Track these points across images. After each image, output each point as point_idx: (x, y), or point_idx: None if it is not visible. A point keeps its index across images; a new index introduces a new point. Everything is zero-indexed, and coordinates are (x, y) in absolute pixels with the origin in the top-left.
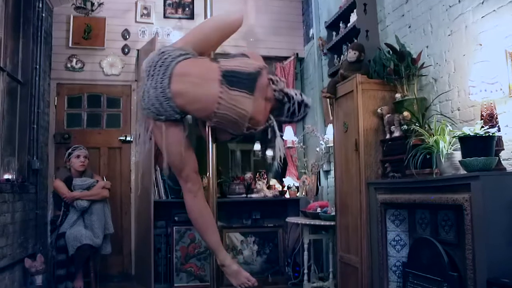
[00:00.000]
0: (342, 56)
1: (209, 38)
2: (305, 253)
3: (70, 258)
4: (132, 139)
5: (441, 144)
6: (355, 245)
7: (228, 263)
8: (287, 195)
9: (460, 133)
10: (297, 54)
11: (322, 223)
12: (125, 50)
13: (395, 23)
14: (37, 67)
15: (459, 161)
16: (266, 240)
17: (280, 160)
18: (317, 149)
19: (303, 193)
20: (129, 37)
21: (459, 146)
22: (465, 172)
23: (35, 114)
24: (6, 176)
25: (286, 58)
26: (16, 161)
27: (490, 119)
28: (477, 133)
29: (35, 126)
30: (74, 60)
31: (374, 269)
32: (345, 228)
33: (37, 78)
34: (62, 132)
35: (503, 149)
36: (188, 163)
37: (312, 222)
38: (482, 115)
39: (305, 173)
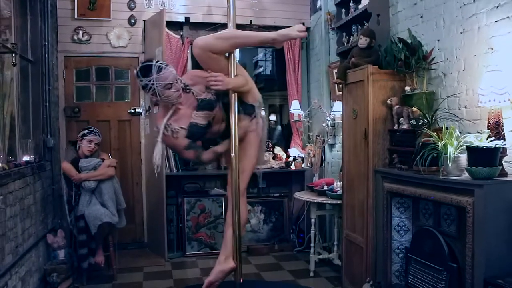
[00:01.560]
0: (351, 37)
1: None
2: (312, 228)
3: (91, 237)
4: (141, 111)
5: (449, 149)
6: (361, 226)
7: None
8: (292, 166)
9: (468, 143)
10: (303, 23)
11: (329, 201)
12: (131, 21)
13: (407, 10)
14: (46, 43)
15: (465, 168)
16: (272, 209)
17: (156, 168)
18: (323, 124)
19: (308, 164)
20: (135, 7)
21: (465, 149)
22: (470, 177)
23: (46, 91)
24: (25, 158)
25: None
26: (32, 141)
27: (496, 127)
28: (485, 146)
29: (47, 104)
30: (81, 32)
31: (378, 250)
32: (351, 208)
33: (46, 55)
34: (72, 106)
35: (506, 155)
36: None
37: (320, 200)
38: (489, 123)
39: (310, 144)
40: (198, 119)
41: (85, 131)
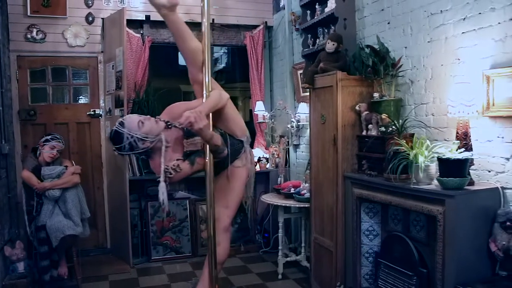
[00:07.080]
0: (317, 39)
1: None
2: (280, 231)
3: (53, 248)
4: (101, 113)
5: (420, 159)
6: (330, 230)
7: None
8: (257, 167)
9: (439, 154)
10: (265, 22)
11: (297, 205)
12: (89, 19)
13: (374, 15)
14: None
15: (437, 179)
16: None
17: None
18: (288, 125)
19: (273, 165)
20: (92, 4)
21: (435, 157)
22: (440, 185)
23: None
24: None
25: (255, 26)
26: None
27: (464, 137)
28: (456, 158)
29: (1, 107)
30: (35, 30)
31: (347, 254)
32: (320, 212)
33: None
34: (27, 109)
35: (473, 164)
36: None
37: (288, 204)
38: (457, 133)
39: (274, 145)
40: (190, 146)
41: (48, 137)
